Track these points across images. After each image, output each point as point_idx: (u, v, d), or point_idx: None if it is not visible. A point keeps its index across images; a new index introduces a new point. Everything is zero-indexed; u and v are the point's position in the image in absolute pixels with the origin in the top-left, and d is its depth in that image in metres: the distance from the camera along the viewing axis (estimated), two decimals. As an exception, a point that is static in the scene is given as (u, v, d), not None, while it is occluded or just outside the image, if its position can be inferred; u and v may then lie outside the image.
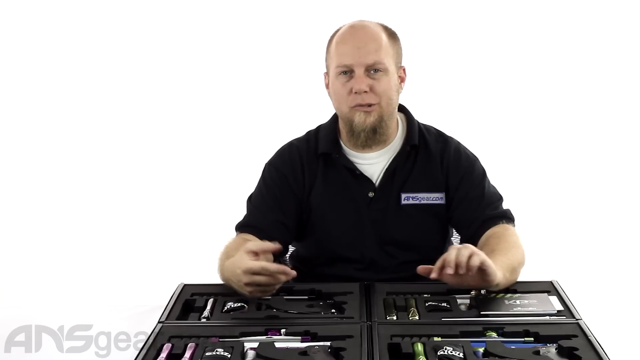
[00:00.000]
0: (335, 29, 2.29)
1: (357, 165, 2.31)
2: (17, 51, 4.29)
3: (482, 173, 2.35)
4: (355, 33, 2.22)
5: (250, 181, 2.40)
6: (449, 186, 2.31)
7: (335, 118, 2.37)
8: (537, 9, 4.25)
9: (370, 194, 2.29)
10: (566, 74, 4.30)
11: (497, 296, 2.03)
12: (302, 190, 2.33)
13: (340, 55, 2.21)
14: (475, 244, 2.20)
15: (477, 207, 2.27)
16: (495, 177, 2.39)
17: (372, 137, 2.25)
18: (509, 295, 2.04)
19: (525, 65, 4.29)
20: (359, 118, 2.22)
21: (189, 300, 2.06)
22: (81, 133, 4.33)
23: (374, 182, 2.30)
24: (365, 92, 2.18)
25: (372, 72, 2.19)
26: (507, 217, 2.28)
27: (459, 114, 4.12)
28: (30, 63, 4.30)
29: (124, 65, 4.30)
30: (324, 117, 2.41)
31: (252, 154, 2.84)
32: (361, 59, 2.18)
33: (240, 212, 2.37)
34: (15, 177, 4.33)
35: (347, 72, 2.20)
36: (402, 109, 2.37)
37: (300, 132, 2.43)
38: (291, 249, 2.52)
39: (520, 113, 4.31)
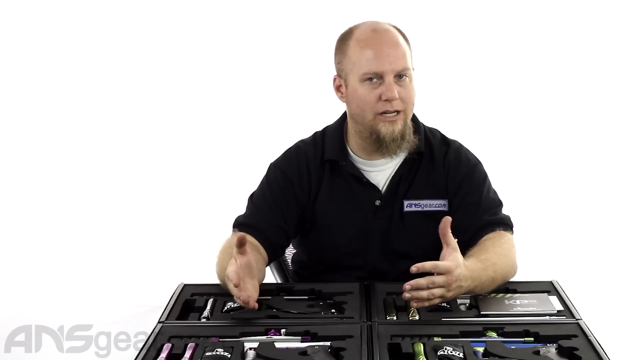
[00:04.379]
0: (345, 31, 2.22)
1: (364, 172, 2.27)
2: (17, 51, 4.29)
3: (483, 178, 2.31)
4: (381, 37, 2.15)
5: (250, 181, 2.39)
6: (449, 191, 2.27)
7: (341, 121, 2.32)
8: (541, 11, 4.25)
9: (377, 202, 2.26)
10: (563, 74, 4.29)
11: (497, 296, 2.04)
12: (306, 197, 2.29)
13: (368, 61, 2.13)
14: (469, 250, 2.18)
15: (474, 213, 2.23)
16: (496, 178, 2.37)
17: (401, 145, 2.20)
18: (509, 295, 2.04)
19: (524, 65, 4.28)
20: (386, 128, 2.16)
21: (189, 300, 2.06)
22: (81, 133, 4.33)
23: (381, 189, 2.27)
24: (395, 99, 2.13)
25: (400, 78, 2.14)
26: (505, 224, 2.23)
27: (459, 114, 4.12)
28: (31, 63, 4.29)
29: (125, 65, 4.30)
30: (326, 117, 2.39)
31: (252, 154, 2.85)
32: (392, 66, 2.12)
33: (239, 212, 2.36)
34: (15, 177, 4.33)
35: (375, 78, 2.14)
36: None
37: (302, 133, 2.40)
38: (293, 252, 2.51)
39: (520, 114, 4.31)
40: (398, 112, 2.16)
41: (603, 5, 4.23)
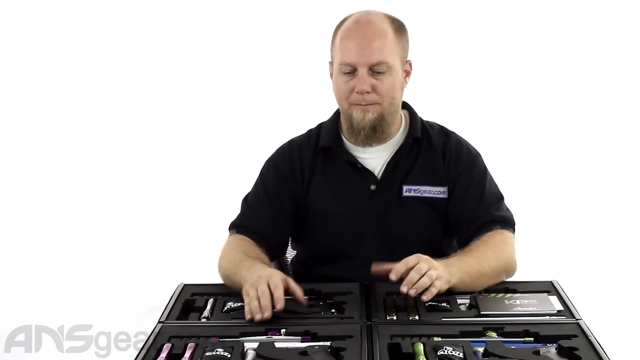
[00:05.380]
0: (342, 18, 2.23)
1: (358, 159, 2.28)
2: (17, 51, 4.29)
3: (484, 170, 2.32)
4: (360, 29, 2.16)
5: (250, 181, 2.40)
6: (449, 180, 2.27)
7: (337, 113, 2.34)
8: (542, 6, 4.25)
9: (372, 187, 2.26)
10: (566, 75, 4.30)
11: (497, 296, 2.04)
12: (300, 188, 2.30)
13: (344, 52, 2.15)
14: (466, 245, 2.19)
15: (475, 208, 2.24)
16: (496, 177, 2.38)
17: (372, 135, 2.22)
18: (509, 295, 2.04)
19: (526, 64, 4.29)
20: (357, 115, 2.18)
21: (189, 300, 2.06)
22: (81, 133, 4.33)
23: (376, 174, 2.27)
24: (368, 92, 2.15)
25: (375, 71, 2.14)
26: (505, 222, 2.24)
27: (460, 112, 4.11)
28: (31, 63, 4.30)
29: (123, 66, 4.30)
30: (325, 116, 2.40)
31: (251, 154, 2.83)
32: (364, 59, 2.13)
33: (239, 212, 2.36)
34: (15, 177, 4.33)
35: (350, 69, 2.15)
36: (405, 105, 2.33)
37: (300, 131, 2.41)
38: (292, 253, 2.51)
39: (520, 112, 4.31)
40: (373, 104, 2.17)
41: (604, 4, 4.24)
